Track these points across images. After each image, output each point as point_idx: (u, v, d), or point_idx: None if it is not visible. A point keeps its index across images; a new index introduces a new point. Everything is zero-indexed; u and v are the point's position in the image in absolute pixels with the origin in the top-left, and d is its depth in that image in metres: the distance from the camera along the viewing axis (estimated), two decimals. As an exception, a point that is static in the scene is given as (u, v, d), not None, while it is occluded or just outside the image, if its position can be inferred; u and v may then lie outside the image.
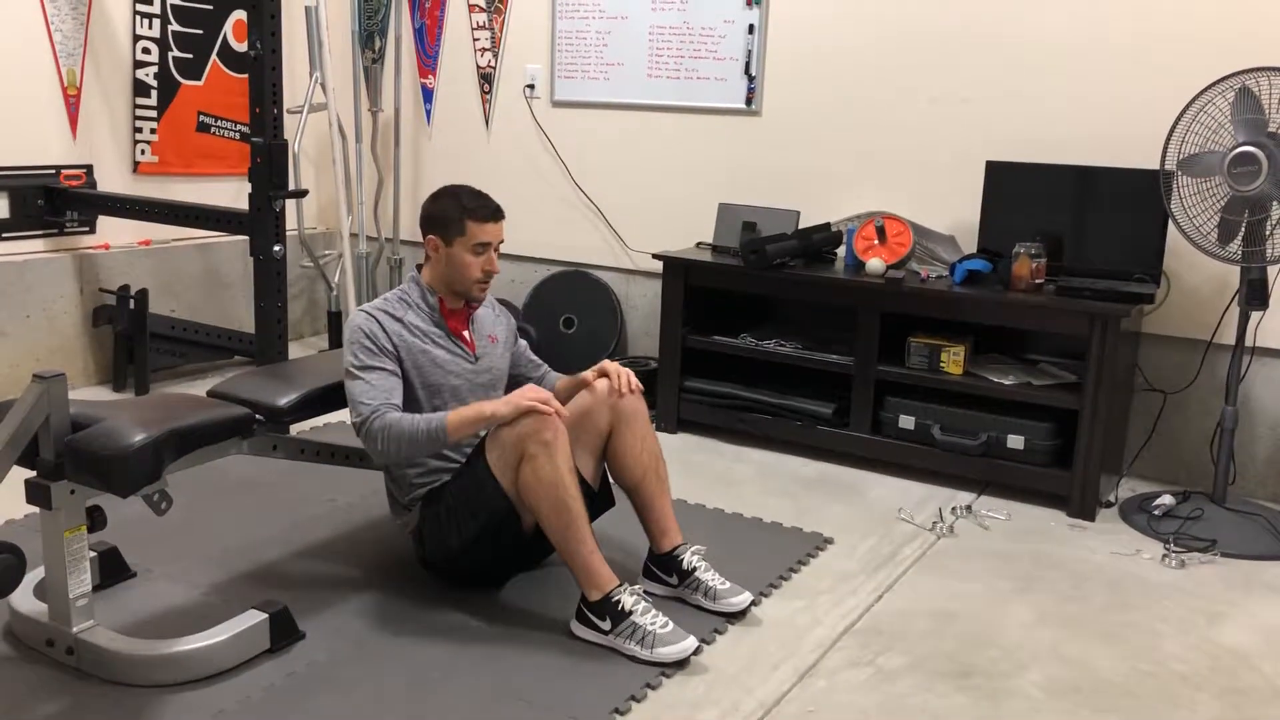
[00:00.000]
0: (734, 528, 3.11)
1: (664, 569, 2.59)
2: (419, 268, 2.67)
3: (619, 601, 2.36)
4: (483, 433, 2.50)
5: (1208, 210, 3.06)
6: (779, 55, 4.14)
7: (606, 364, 2.66)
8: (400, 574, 2.73)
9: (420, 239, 2.65)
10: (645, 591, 2.49)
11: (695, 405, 3.89)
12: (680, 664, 2.32)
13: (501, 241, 2.64)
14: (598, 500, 2.65)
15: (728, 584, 2.55)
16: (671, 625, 2.36)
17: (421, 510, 2.58)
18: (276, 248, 3.78)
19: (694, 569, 2.56)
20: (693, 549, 2.60)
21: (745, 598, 2.54)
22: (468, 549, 2.51)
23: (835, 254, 3.91)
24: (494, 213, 2.60)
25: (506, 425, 2.40)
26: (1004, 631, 2.57)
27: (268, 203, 3.73)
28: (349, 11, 4.92)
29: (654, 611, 2.37)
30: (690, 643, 2.33)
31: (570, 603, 2.48)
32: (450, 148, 5.00)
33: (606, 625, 2.36)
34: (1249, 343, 3.21)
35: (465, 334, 2.66)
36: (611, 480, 2.68)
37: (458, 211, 2.57)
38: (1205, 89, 3.02)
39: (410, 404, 2.53)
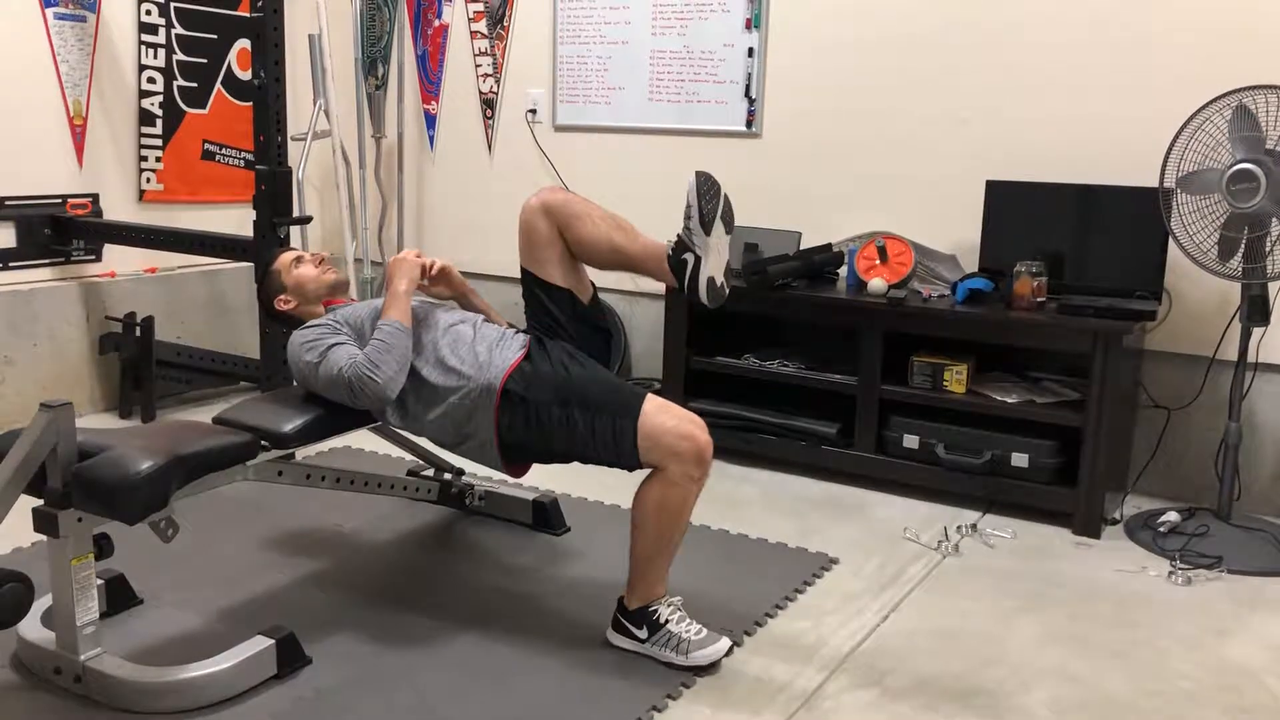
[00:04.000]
0: (739, 549, 3.11)
1: (677, 269, 2.51)
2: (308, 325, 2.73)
3: (656, 612, 2.42)
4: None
5: (1207, 227, 3.07)
6: (779, 78, 4.17)
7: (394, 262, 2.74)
8: (408, 598, 2.74)
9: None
10: (678, 603, 2.48)
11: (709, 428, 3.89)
12: (714, 667, 2.39)
13: (314, 253, 2.90)
14: (592, 313, 2.70)
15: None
16: (705, 632, 2.42)
17: (504, 408, 2.47)
18: (296, 249, 3.79)
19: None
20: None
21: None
22: (567, 455, 2.48)
23: (837, 274, 3.92)
24: (278, 250, 2.94)
25: (670, 429, 2.34)
26: (1010, 650, 2.56)
27: (272, 229, 3.74)
28: (352, 39, 4.96)
29: (688, 620, 2.43)
30: (724, 644, 2.41)
31: (577, 619, 2.48)
32: (453, 173, 5.03)
33: (643, 634, 2.43)
34: (1251, 359, 3.22)
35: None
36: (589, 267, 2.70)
37: (265, 274, 2.87)
38: (1203, 107, 3.04)
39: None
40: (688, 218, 2.45)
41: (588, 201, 2.65)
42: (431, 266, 2.77)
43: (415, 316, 2.62)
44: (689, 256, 2.48)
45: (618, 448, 2.38)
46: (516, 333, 2.68)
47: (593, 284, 2.75)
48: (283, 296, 2.79)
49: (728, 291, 2.52)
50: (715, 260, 2.47)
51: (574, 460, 2.51)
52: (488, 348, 2.57)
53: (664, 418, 2.37)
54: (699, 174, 2.46)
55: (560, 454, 2.51)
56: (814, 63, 4.08)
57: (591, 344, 2.67)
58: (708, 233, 2.44)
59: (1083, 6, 3.57)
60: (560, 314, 2.65)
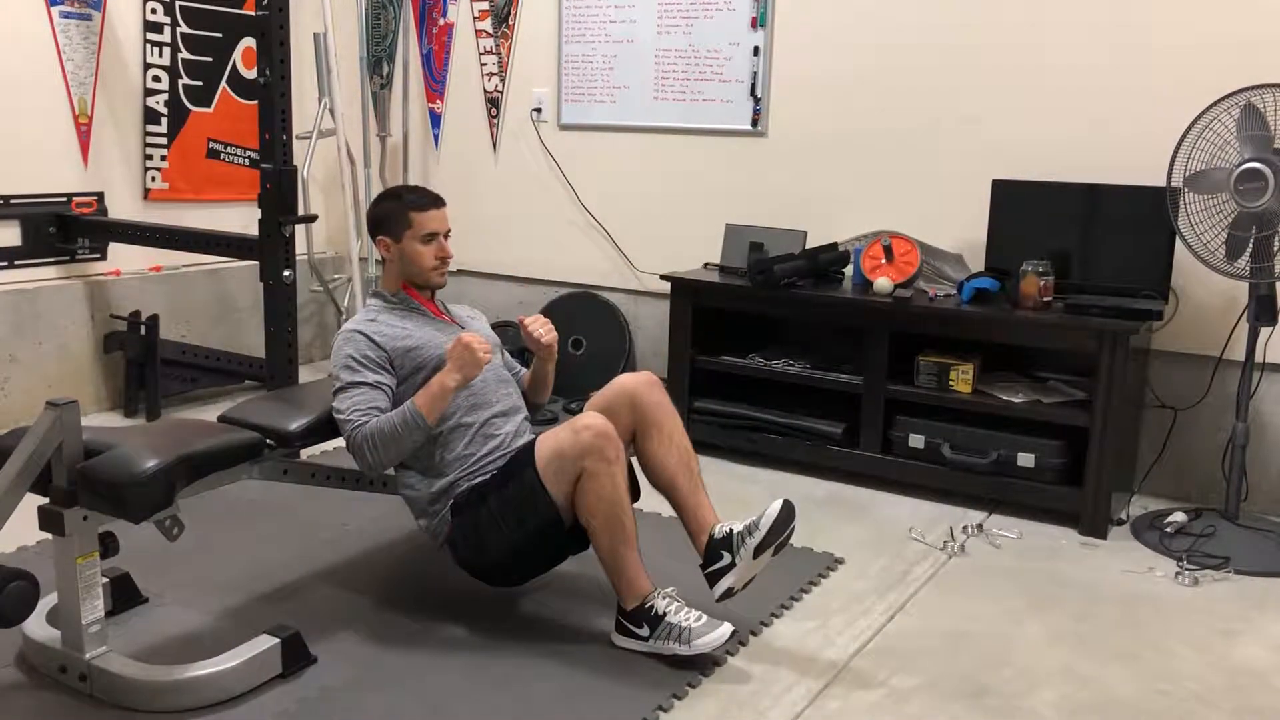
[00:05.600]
0: (744, 548, 3.11)
1: (710, 558, 2.50)
2: (374, 291, 2.75)
3: (652, 606, 2.42)
4: (527, 436, 2.60)
5: (1215, 227, 3.06)
6: (784, 76, 4.16)
7: (525, 319, 2.75)
8: (412, 597, 2.73)
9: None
10: (672, 593, 2.48)
11: (704, 426, 3.89)
12: (717, 661, 2.40)
13: (449, 231, 2.75)
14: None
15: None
16: (705, 617, 2.41)
17: (453, 518, 2.56)
18: (286, 273, 3.79)
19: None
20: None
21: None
22: (509, 554, 2.51)
23: (843, 273, 3.91)
24: (434, 200, 2.74)
25: (566, 438, 2.38)
26: (1017, 651, 2.55)
27: (277, 228, 3.74)
28: (357, 38, 4.96)
29: (686, 609, 2.43)
30: (726, 629, 2.40)
31: (581, 620, 2.48)
32: (458, 172, 5.02)
33: (645, 632, 2.42)
34: (1259, 359, 3.21)
35: (441, 314, 2.77)
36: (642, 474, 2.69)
37: (399, 207, 2.70)
38: (1210, 106, 3.03)
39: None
40: (749, 532, 2.43)
41: (676, 416, 2.64)
42: (547, 345, 2.75)
43: (468, 393, 2.58)
44: (726, 556, 2.46)
45: (534, 501, 2.40)
46: (519, 435, 2.68)
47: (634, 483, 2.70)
48: (388, 242, 2.68)
49: (734, 597, 2.49)
50: (742, 574, 2.45)
51: (523, 570, 2.57)
52: (480, 447, 2.59)
53: (555, 435, 2.41)
54: (786, 505, 2.44)
55: (498, 559, 2.52)
56: (819, 61, 4.07)
57: None
58: (755, 556, 2.42)
59: (1089, 6, 3.56)
60: None
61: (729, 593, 2.45)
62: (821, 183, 4.12)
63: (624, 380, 2.66)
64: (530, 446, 2.48)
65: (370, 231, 2.75)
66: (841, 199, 4.08)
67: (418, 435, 2.48)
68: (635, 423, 2.61)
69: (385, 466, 2.53)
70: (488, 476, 2.57)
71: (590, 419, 2.40)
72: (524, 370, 2.91)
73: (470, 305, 3.02)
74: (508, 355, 2.92)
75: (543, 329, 2.74)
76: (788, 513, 2.43)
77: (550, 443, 2.42)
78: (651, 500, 2.69)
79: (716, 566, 2.48)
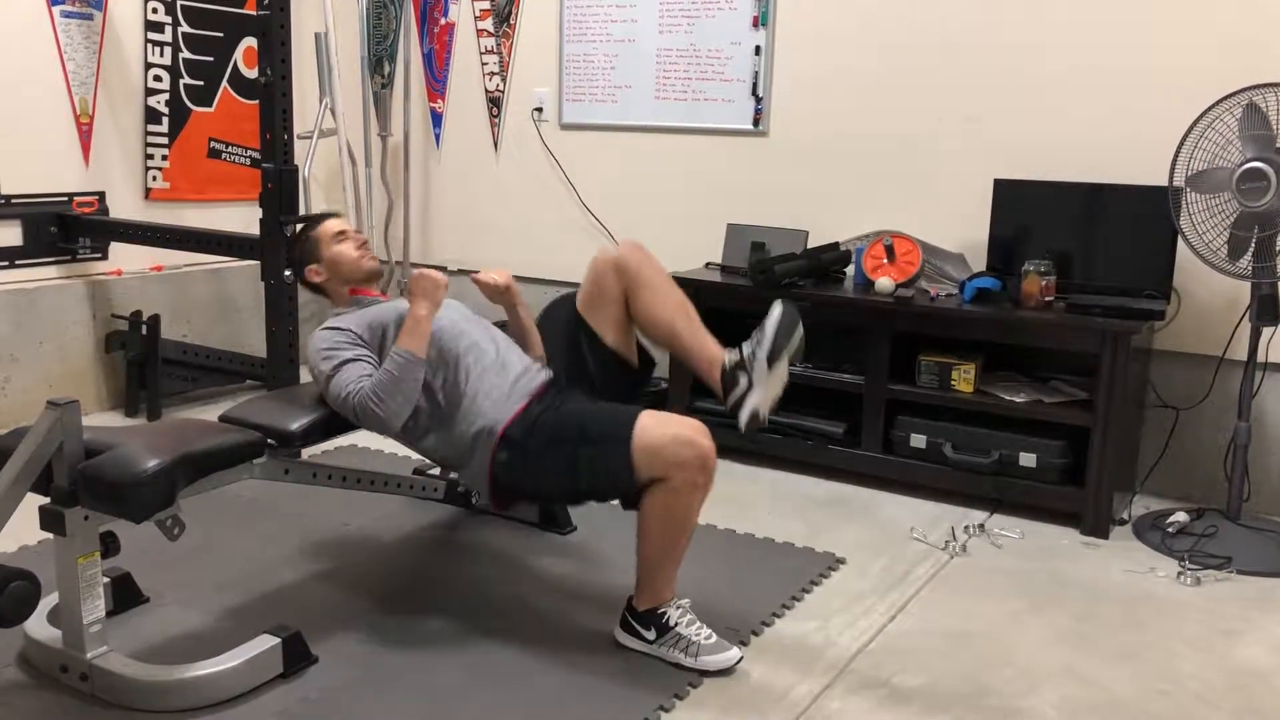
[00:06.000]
0: (745, 549, 3.11)
1: (728, 387, 2.45)
2: (330, 314, 2.75)
3: (665, 614, 2.42)
4: (518, 356, 2.62)
5: (1217, 226, 3.06)
6: (786, 76, 4.16)
7: (477, 275, 2.78)
8: (414, 597, 2.73)
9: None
10: (686, 605, 2.48)
11: (706, 425, 3.87)
12: (723, 673, 2.38)
13: (357, 230, 2.82)
14: (641, 369, 2.69)
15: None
16: (715, 637, 2.41)
17: (501, 449, 2.48)
18: (287, 272, 3.79)
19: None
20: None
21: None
22: (566, 494, 2.49)
23: (844, 273, 3.91)
24: (326, 215, 2.83)
25: (669, 443, 2.30)
26: (1018, 651, 2.55)
27: (278, 228, 3.74)
28: (358, 37, 4.96)
29: (698, 623, 2.42)
30: (734, 653, 2.40)
31: (583, 619, 2.47)
32: (459, 171, 5.02)
33: (651, 635, 2.42)
34: (1261, 358, 3.21)
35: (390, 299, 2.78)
36: (645, 340, 2.68)
37: (303, 238, 2.80)
38: (1212, 105, 3.03)
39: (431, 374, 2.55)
40: (757, 344, 2.40)
41: (663, 272, 2.62)
42: (504, 286, 2.79)
43: (442, 332, 2.58)
44: (743, 379, 2.42)
45: (614, 472, 2.34)
46: (540, 370, 2.67)
47: (643, 351, 2.72)
48: (315, 268, 2.74)
49: (766, 425, 2.45)
50: (766, 393, 2.40)
51: (568, 501, 2.52)
52: (501, 383, 2.56)
53: (662, 429, 2.34)
54: (785, 306, 2.40)
55: (555, 495, 2.50)
56: (821, 61, 4.07)
57: (616, 400, 2.62)
58: (770, 367, 2.38)
59: (1092, 5, 3.56)
60: (596, 370, 2.64)
61: (755, 418, 2.40)
62: (823, 182, 4.12)
63: (605, 249, 2.65)
64: (628, 421, 2.34)
65: (298, 276, 2.82)
66: (843, 198, 4.07)
67: (414, 371, 2.45)
68: (624, 286, 2.60)
69: (399, 417, 2.46)
70: (528, 401, 2.52)
71: (696, 434, 2.32)
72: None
73: (463, 304, 2.99)
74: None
75: (494, 274, 2.78)
76: (791, 314, 2.39)
77: (653, 434, 2.32)
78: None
79: (736, 394, 2.43)
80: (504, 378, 2.57)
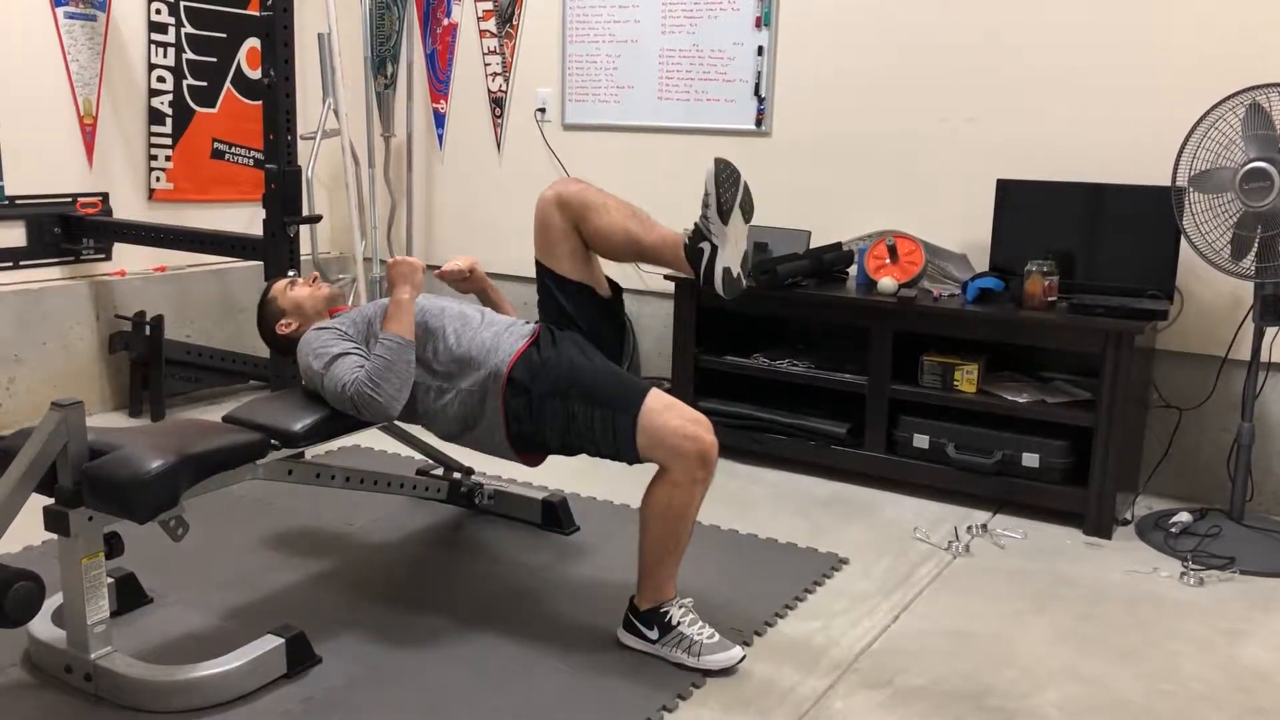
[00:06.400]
0: (748, 549, 3.11)
1: (694, 259, 2.47)
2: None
3: (667, 613, 2.42)
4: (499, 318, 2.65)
5: (1220, 226, 3.06)
6: (788, 76, 4.16)
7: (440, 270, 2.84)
8: (417, 597, 2.74)
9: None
10: (689, 604, 2.48)
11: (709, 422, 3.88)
12: (725, 672, 2.38)
13: (298, 276, 2.92)
14: (613, 295, 2.72)
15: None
16: (718, 636, 2.41)
17: (509, 394, 2.48)
18: (290, 273, 3.79)
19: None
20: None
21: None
22: (567, 447, 2.49)
23: (847, 273, 3.91)
24: (269, 286, 2.90)
25: (673, 434, 2.32)
26: (1021, 651, 2.55)
27: (282, 228, 3.75)
28: (361, 38, 4.96)
29: (700, 623, 2.43)
30: (736, 652, 2.40)
31: (586, 618, 2.47)
32: (462, 172, 5.03)
33: (654, 635, 2.43)
34: (1264, 358, 3.20)
35: None
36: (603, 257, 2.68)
37: (263, 304, 2.85)
38: (1216, 105, 3.02)
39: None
40: (705, 205, 2.42)
41: (603, 192, 2.62)
42: (468, 269, 2.84)
43: (424, 310, 2.63)
44: (705, 246, 2.44)
45: (616, 443, 2.38)
46: (526, 322, 2.68)
47: (610, 280, 2.74)
48: (284, 321, 2.79)
49: (745, 283, 2.48)
50: (732, 250, 2.43)
51: (573, 452, 2.51)
52: (494, 334, 2.58)
53: (668, 416, 2.35)
54: (718, 161, 2.42)
55: (557, 446, 2.51)
56: (824, 61, 4.07)
57: (604, 339, 2.66)
58: (725, 222, 2.41)
59: (1095, 5, 3.56)
60: (574, 309, 2.64)
61: (729, 276, 2.42)
62: (826, 182, 4.12)
63: (543, 193, 2.63)
64: (638, 396, 2.37)
65: (272, 341, 2.84)
66: (846, 199, 4.07)
67: (405, 353, 2.48)
68: (571, 217, 2.59)
69: (398, 400, 2.47)
70: (527, 342, 2.53)
71: (701, 430, 2.34)
72: None
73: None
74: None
75: (457, 260, 2.83)
76: (724, 165, 2.40)
77: (659, 420, 2.33)
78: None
79: (704, 261, 2.44)
80: (494, 330, 2.60)
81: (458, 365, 2.56)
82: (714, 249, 2.44)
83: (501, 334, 2.58)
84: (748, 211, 2.45)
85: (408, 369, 2.49)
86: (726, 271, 2.44)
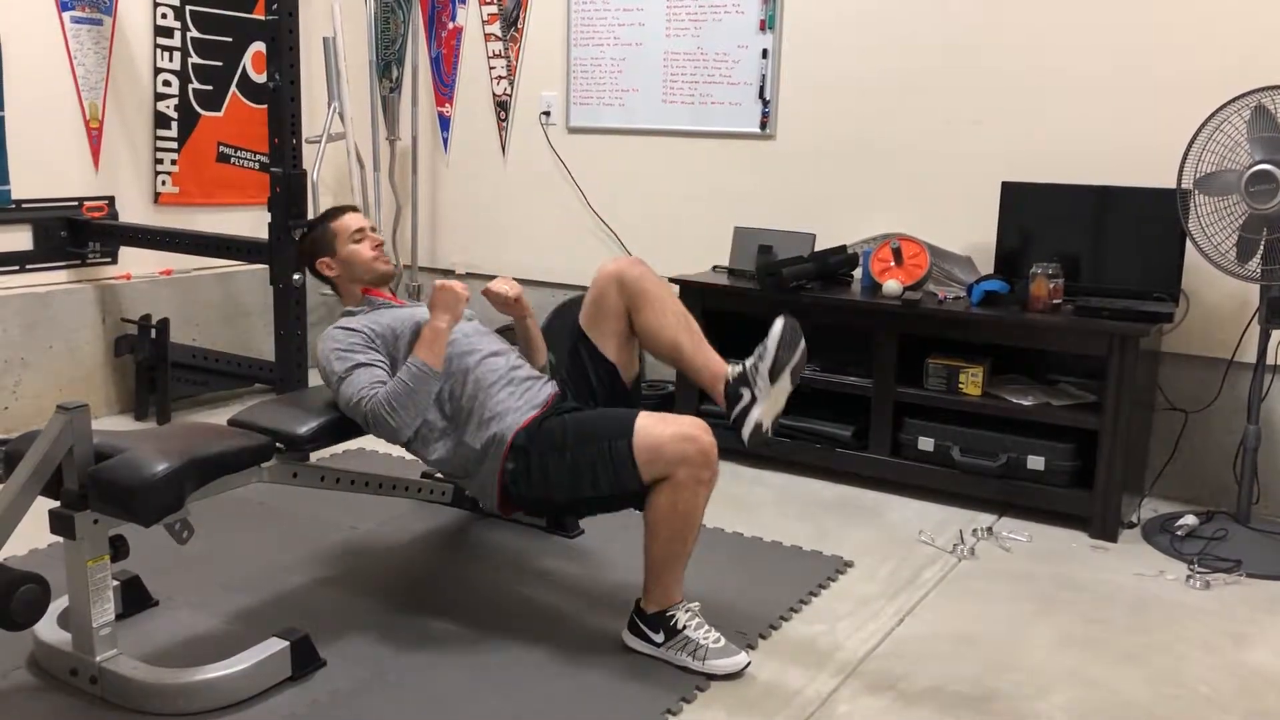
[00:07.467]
0: (753, 552, 3.11)
1: (731, 401, 2.47)
2: (341, 314, 2.76)
3: (673, 617, 2.42)
4: (526, 369, 2.65)
5: (1226, 229, 3.05)
6: (793, 79, 4.16)
7: (486, 288, 2.80)
8: (422, 599, 2.74)
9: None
10: (695, 609, 2.47)
11: (713, 429, 3.86)
12: (731, 677, 2.37)
13: (372, 226, 2.82)
14: (632, 396, 2.72)
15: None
16: (723, 640, 2.41)
17: (513, 460, 2.50)
18: (296, 276, 3.80)
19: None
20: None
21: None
22: (577, 503, 2.49)
23: (852, 276, 3.91)
24: (345, 208, 2.84)
25: (670, 440, 2.33)
26: (1026, 655, 2.55)
27: (287, 232, 3.75)
28: (366, 42, 4.97)
29: (706, 627, 2.43)
30: (741, 658, 2.40)
31: (590, 621, 2.47)
32: (467, 175, 5.03)
33: (659, 638, 2.42)
34: (1270, 361, 3.19)
35: (405, 304, 2.80)
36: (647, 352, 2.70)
37: (319, 229, 2.80)
38: (1221, 107, 3.02)
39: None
40: (759, 358, 2.42)
41: (664, 284, 2.65)
42: (514, 297, 2.80)
43: (454, 344, 2.60)
44: (746, 393, 2.44)
45: (617, 472, 2.36)
46: (547, 382, 2.68)
47: (640, 364, 2.75)
48: (328, 261, 2.75)
49: (770, 437, 2.47)
50: (769, 407, 2.42)
51: (578, 512, 2.54)
52: (510, 394, 2.57)
53: (662, 427, 2.36)
54: (787, 321, 2.42)
55: (563, 503, 2.51)
56: (828, 64, 4.07)
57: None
58: (773, 382, 2.39)
59: (1099, 7, 3.56)
60: (598, 384, 2.67)
61: (758, 430, 2.41)
62: (830, 185, 4.12)
63: (605, 265, 2.66)
64: (628, 421, 2.39)
65: (310, 267, 2.82)
66: (850, 201, 4.07)
67: (429, 384, 2.48)
68: (626, 301, 2.61)
69: (409, 427, 2.50)
70: (539, 412, 2.54)
71: (697, 430, 2.35)
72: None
73: (473, 308, 3.02)
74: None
75: (505, 286, 2.79)
76: (792, 328, 2.41)
77: (653, 434, 2.35)
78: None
79: (740, 407, 2.44)
80: (512, 391, 2.59)
81: (465, 415, 2.57)
82: (753, 400, 2.43)
83: (518, 395, 2.58)
84: (797, 375, 2.44)
85: (427, 399, 2.50)
86: (758, 426, 2.42)
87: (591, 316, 2.68)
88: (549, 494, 2.50)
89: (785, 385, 2.42)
